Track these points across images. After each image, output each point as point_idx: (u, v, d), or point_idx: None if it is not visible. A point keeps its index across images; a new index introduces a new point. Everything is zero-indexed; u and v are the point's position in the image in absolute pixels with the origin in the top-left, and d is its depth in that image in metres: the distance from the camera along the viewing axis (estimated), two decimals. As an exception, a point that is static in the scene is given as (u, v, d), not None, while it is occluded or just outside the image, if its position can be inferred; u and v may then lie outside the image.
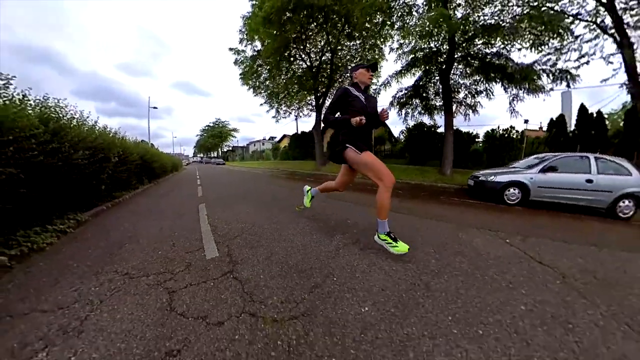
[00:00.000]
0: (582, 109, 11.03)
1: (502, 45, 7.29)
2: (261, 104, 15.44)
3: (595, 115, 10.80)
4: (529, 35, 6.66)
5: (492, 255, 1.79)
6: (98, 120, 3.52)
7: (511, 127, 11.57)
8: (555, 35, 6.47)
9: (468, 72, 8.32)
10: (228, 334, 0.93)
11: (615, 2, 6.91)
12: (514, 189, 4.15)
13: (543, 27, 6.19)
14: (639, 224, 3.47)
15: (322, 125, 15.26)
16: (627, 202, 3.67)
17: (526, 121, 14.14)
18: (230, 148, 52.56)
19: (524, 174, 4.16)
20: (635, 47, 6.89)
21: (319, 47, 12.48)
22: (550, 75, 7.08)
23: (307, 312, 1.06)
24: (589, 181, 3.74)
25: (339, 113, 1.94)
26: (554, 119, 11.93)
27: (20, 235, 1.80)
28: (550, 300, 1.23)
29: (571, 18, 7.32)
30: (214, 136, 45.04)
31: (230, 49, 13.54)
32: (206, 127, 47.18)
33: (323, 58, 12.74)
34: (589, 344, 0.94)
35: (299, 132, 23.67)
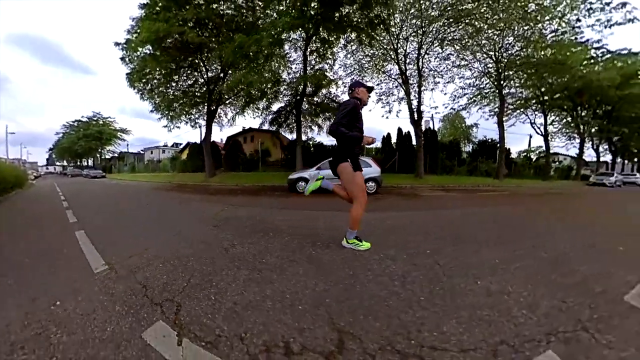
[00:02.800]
0: (399, 130, 17.94)
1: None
2: (151, 111, 14.24)
3: (405, 134, 17.65)
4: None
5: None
6: None
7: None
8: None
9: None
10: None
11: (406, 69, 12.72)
12: (302, 182, 6.29)
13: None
14: (380, 195, 6.25)
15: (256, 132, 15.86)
16: (370, 183, 6.40)
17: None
18: (117, 155, 42.00)
19: (308, 171, 6.41)
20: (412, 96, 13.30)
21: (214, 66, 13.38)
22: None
23: None
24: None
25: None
26: (384, 136, 18.26)
27: None
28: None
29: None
30: (89, 137, 34.80)
31: (117, 44, 12.17)
32: (75, 123, 35.87)
33: (212, 75, 13.32)
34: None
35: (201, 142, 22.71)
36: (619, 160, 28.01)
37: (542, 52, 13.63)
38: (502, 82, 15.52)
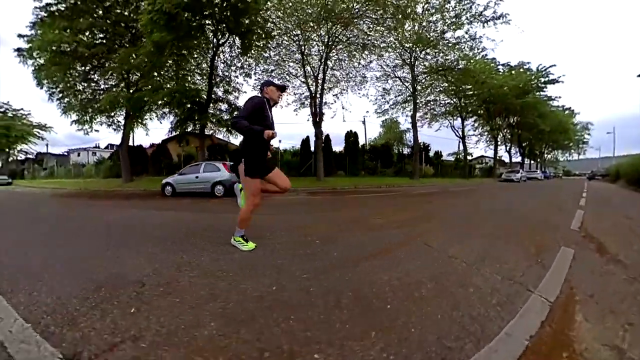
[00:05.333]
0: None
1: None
2: (66, 111, 12.99)
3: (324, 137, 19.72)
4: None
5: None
6: None
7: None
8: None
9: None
10: None
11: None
12: (169, 187, 7.38)
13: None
14: (226, 199, 6.64)
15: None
16: (219, 187, 7.24)
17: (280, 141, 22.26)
18: (33, 156, 36.24)
19: (173, 177, 7.54)
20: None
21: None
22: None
23: None
24: (197, 177, 7.48)
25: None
26: (303, 139, 20.06)
27: None
28: None
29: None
30: (-6, 135, 29.33)
31: (20, 36, 11.40)
32: None
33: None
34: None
35: (134, 144, 21.81)
36: (527, 161, 34.52)
37: (448, 57, 15.63)
38: (415, 85, 17.18)
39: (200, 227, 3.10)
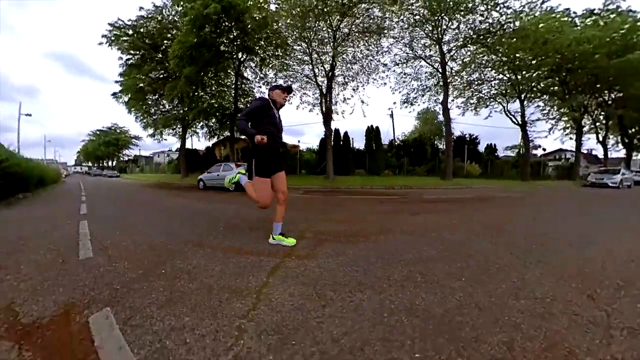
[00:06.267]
0: (336, 131, 19.81)
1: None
2: (145, 127, 18.83)
3: (343, 135, 20.25)
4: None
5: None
6: None
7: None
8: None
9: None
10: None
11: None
12: (201, 182, 10.60)
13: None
14: (236, 192, 8.64)
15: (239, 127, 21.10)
16: (243, 176, 10.45)
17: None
18: (132, 158, 49.12)
19: (204, 174, 10.69)
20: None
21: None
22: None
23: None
24: (217, 175, 10.34)
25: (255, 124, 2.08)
26: (322, 138, 21.30)
27: None
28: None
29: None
30: (109, 144, 41.98)
31: (116, 82, 17.06)
32: (97, 132, 43.29)
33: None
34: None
35: (191, 147, 27.95)
36: (636, 155, 21.72)
37: (488, 20, 11.87)
38: (446, 63, 14.14)
39: (209, 211, 5.61)
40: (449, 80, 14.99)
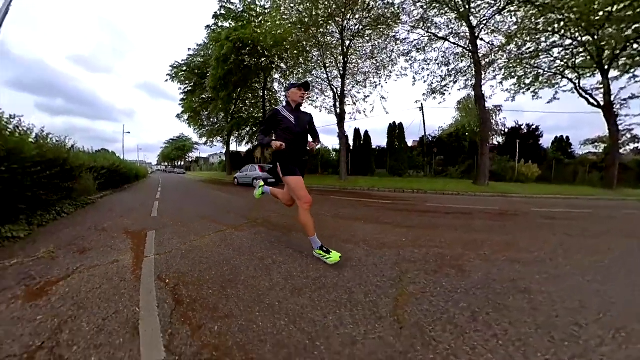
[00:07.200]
0: (356, 131, 19.93)
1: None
2: (200, 137, 23.90)
3: (363, 134, 20.36)
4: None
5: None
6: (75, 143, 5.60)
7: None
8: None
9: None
10: (117, 182, 9.65)
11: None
12: (235, 179, 13.39)
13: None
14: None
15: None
16: (255, 180, 12.72)
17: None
18: (194, 159, 59.76)
19: (237, 173, 13.44)
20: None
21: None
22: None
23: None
24: (245, 174, 12.85)
25: (273, 133, 2.18)
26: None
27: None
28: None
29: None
30: (178, 149, 52.57)
31: (179, 103, 22.54)
32: (171, 140, 54.62)
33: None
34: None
35: (236, 150, 33.03)
36: None
37: None
38: (476, 37, 11.39)
39: (227, 201, 7.94)
40: (488, 60, 12.30)
